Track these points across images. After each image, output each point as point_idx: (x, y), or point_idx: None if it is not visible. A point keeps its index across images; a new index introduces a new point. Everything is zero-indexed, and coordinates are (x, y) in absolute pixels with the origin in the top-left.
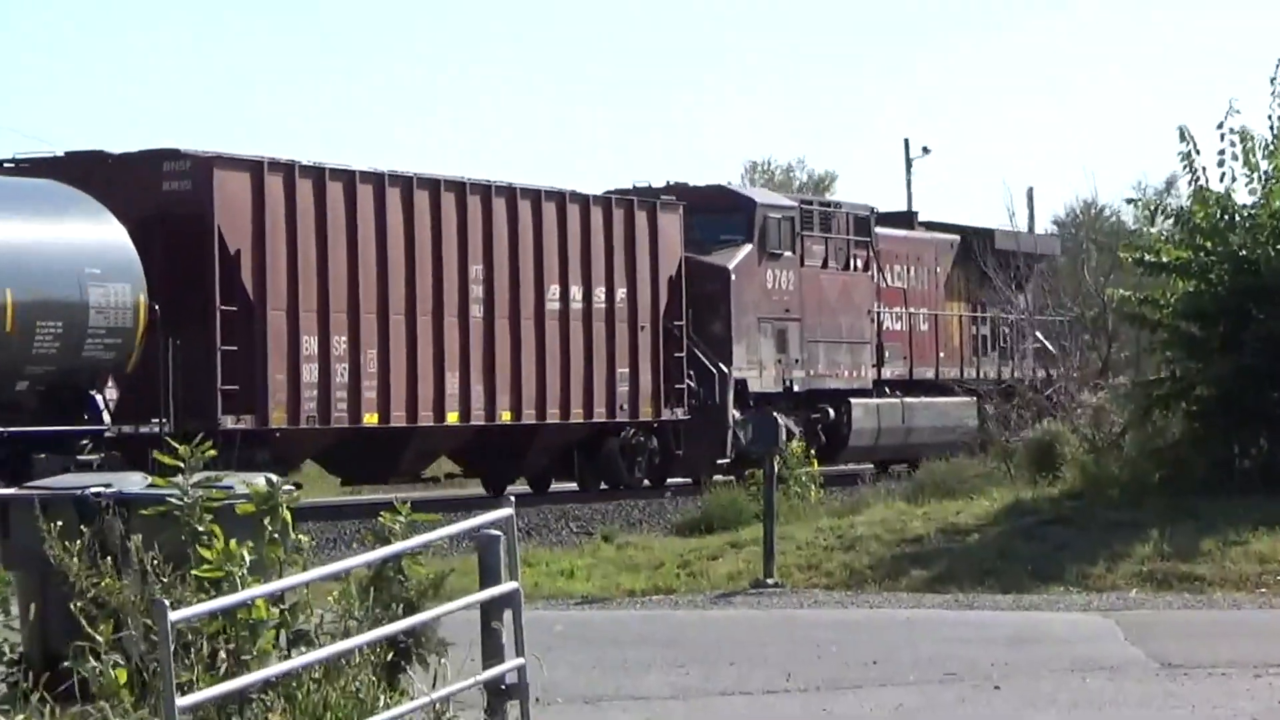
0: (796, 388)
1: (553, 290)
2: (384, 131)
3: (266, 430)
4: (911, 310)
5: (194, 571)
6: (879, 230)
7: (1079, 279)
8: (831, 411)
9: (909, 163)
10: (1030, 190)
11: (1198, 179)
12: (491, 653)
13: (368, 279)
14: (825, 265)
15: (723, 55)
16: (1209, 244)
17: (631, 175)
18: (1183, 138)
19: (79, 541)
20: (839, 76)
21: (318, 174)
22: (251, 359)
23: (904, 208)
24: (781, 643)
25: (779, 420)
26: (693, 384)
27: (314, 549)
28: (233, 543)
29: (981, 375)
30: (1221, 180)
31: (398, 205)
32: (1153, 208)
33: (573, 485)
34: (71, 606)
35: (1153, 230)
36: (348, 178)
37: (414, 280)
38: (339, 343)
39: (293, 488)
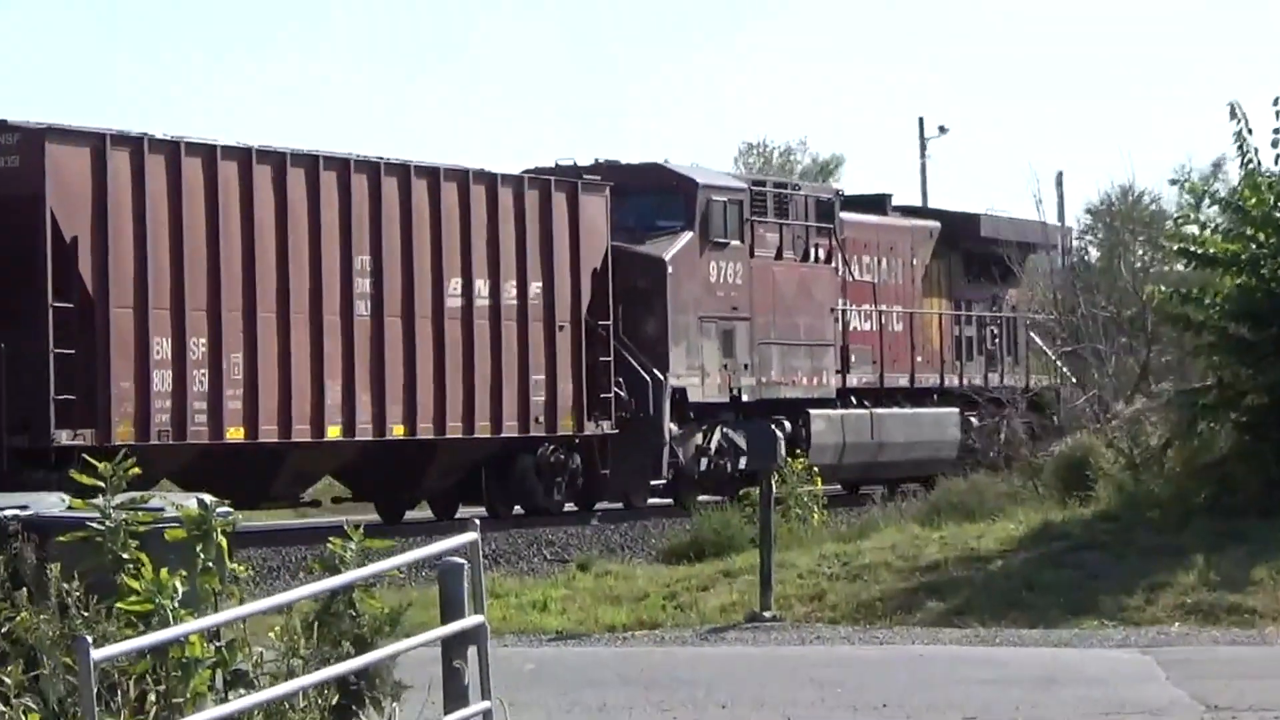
0: (745, 397)
1: (454, 284)
2: (349, 116)
3: (111, 447)
4: (883, 308)
5: (119, 604)
6: (845, 216)
7: (1114, 274)
8: (787, 425)
9: (924, 144)
10: (1059, 174)
11: (1250, 161)
12: (454, 695)
13: (231, 271)
14: (780, 256)
15: (714, 24)
16: (1262, 234)
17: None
18: (1234, 115)
19: None
20: (846, 48)
21: (171, 149)
22: (91, 364)
23: (919, 192)
24: (780, 683)
25: (778, 434)
26: (622, 393)
27: (254, 579)
28: (163, 572)
29: (965, 383)
30: (1277, 162)
31: (268, 185)
32: (1199, 191)
33: (483, 510)
34: None
35: (1199, 216)
36: (207, 153)
37: (287, 273)
38: (197, 345)
39: (230, 510)
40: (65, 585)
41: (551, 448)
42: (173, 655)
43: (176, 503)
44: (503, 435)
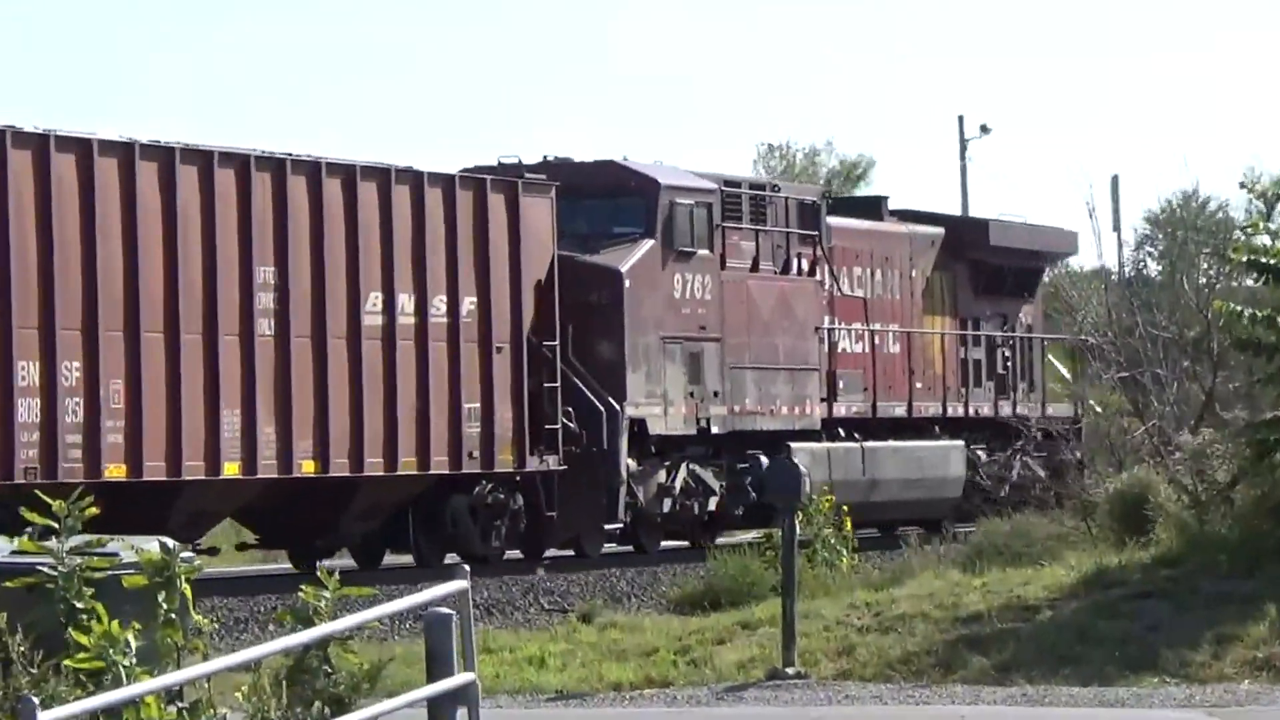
0: (715, 429)
1: (373, 299)
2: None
3: None
4: (876, 327)
5: (69, 661)
6: (833, 221)
7: (1176, 289)
8: (765, 460)
9: (964, 145)
10: (1115, 179)
11: None
12: None
13: (111, 285)
14: (756, 267)
15: (732, 14)
16: None
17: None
18: None
19: None
20: (877, 41)
21: (39, 143)
22: None
23: (959, 199)
24: None
25: (801, 469)
26: (571, 424)
27: (219, 632)
28: (115, 624)
29: (973, 412)
30: None
31: (154, 186)
32: (1271, 197)
33: (409, 558)
34: None
35: (1270, 225)
36: (81, 148)
37: (176, 287)
38: (70, 370)
39: (193, 555)
40: (11, 639)
41: (489, 486)
42: (128, 717)
43: (135, 546)
44: (430, 472)
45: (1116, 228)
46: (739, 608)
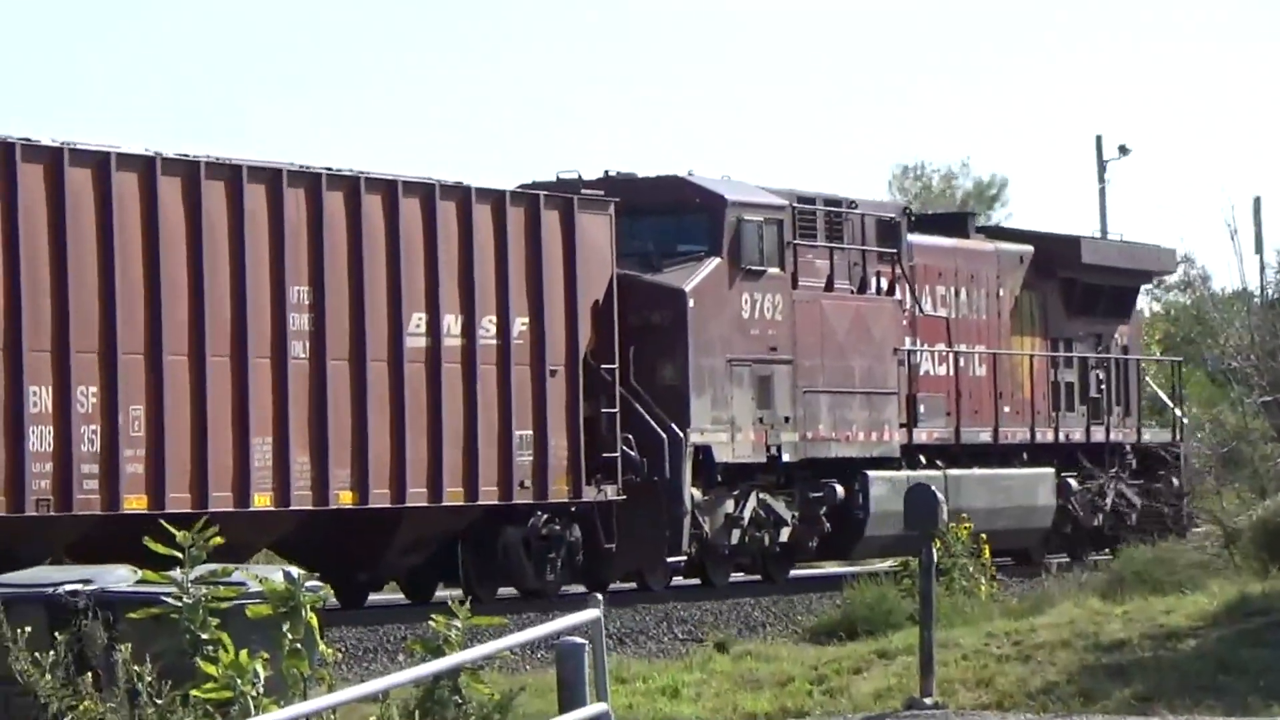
0: (787, 456)
1: (416, 320)
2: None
3: None
4: (960, 348)
5: (196, 691)
6: (914, 239)
7: None
8: (840, 489)
9: (1102, 166)
10: (1257, 200)
11: None
12: None
13: (132, 304)
14: (830, 286)
15: (865, 39)
16: None
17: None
18: None
19: (51, 653)
20: (1014, 60)
21: (52, 156)
22: None
23: (1098, 219)
24: None
25: (938, 495)
26: (632, 452)
27: (346, 662)
28: (243, 654)
29: (1063, 437)
30: None
31: (177, 200)
32: None
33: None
34: None
35: None
36: (99, 160)
37: (202, 307)
38: (86, 395)
39: (319, 584)
40: (136, 669)
41: (545, 517)
42: None
43: (260, 575)
44: (479, 503)
45: (1259, 250)
46: (876, 636)
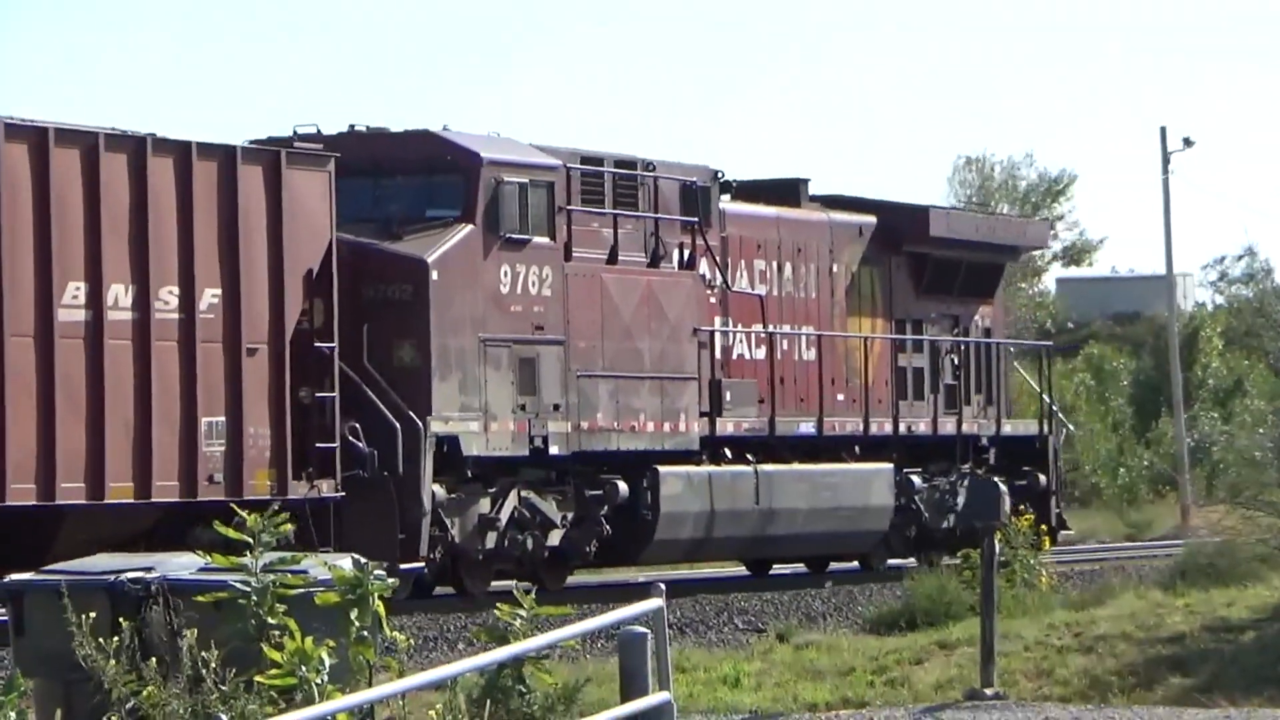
0: (555, 449)
1: (74, 291)
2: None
3: None
4: (782, 329)
5: (260, 678)
6: (729, 208)
7: None
8: (624, 487)
9: (1166, 158)
10: None
11: None
12: None
13: None
14: (615, 258)
15: (929, 29)
16: None
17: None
18: None
19: (115, 639)
20: (1078, 54)
21: None
22: None
23: (1162, 212)
24: None
25: (1001, 488)
26: (359, 442)
27: (411, 649)
28: (308, 642)
29: (904, 429)
30: None
31: None
32: None
33: None
34: None
35: None
36: None
37: None
38: None
39: (384, 574)
40: (202, 655)
41: (252, 516)
42: None
43: (329, 563)
44: (154, 500)
45: None
46: (936, 627)
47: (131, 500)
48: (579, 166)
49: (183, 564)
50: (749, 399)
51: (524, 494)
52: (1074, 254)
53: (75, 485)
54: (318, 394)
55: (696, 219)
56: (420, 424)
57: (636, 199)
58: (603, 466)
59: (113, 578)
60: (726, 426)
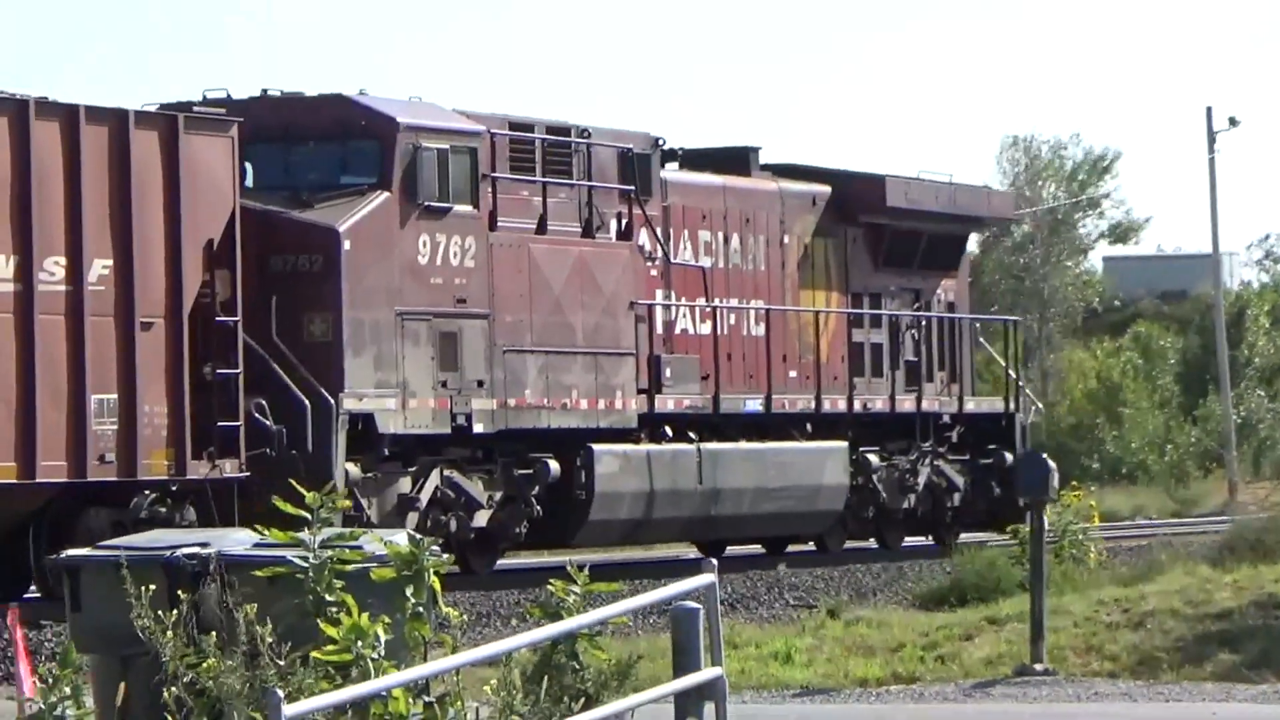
0: (480, 426)
1: None
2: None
3: None
4: (731, 302)
5: (316, 653)
6: (671, 176)
7: None
8: (554, 465)
9: (1211, 138)
10: None
11: None
12: None
13: None
14: (543, 228)
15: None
16: None
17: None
18: None
19: (173, 613)
20: (1125, 34)
21: None
22: None
23: (1208, 190)
24: None
25: (1050, 464)
26: (266, 420)
27: (465, 626)
28: (364, 617)
29: (863, 407)
30: None
31: None
32: None
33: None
34: (164, 695)
35: None
36: None
37: None
38: None
39: (439, 550)
40: (258, 629)
41: (151, 498)
42: (375, 711)
43: (384, 538)
44: (38, 480)
45: None
46: (986, 603)
47: (14, 480)
48: (506, 133)
49: (238, 539)
50: (691, 375)
51: (447, 473)
52: (1120, 233)
53: None
54: (220, 370)
55: (633, 188)
56: (332, 401)
57: (570, 167)
58: (533, 445)
59: (169, 553)
60: (667, 404)
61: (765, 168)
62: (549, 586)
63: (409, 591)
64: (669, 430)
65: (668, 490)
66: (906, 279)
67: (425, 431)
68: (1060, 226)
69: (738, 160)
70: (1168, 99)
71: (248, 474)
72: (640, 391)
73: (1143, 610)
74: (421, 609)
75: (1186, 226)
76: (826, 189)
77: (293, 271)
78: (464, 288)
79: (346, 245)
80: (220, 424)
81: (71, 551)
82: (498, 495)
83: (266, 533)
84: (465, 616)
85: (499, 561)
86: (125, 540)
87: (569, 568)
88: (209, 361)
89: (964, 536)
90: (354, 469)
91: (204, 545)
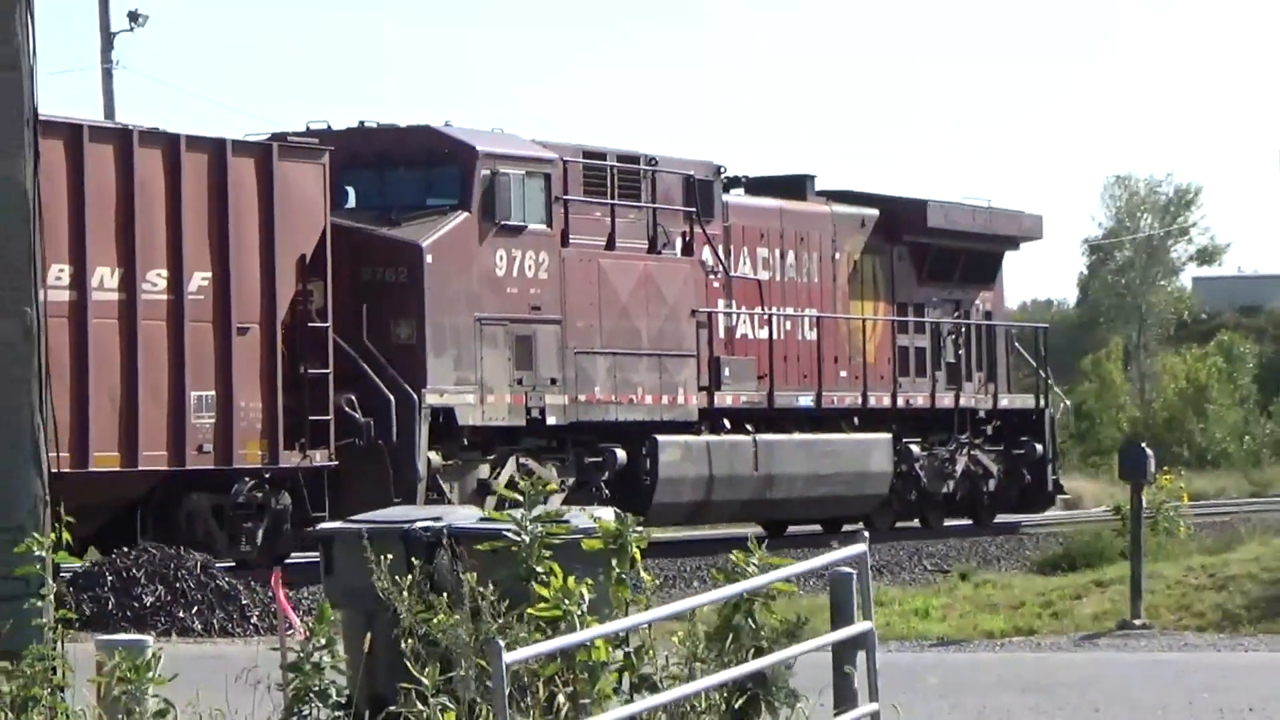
0: (552, 419)
1: (58, 273)
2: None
3: None
4: (783, 311)
5: (530, 610)
6: (732, 200)
7: None
8: (620, 453)
9: None
10: None
11: None
12: (844, 697)
13: None
14: (611, 245)
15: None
16: None
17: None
18: None
19: (409, 577)
20: (1205, 76)
21: None
22: None
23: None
24: (1150, 688)
25: (1148, 452)
26: (355, 414)
27: (655, 588)
28: (570, 580)
29: (906, 403)
30: None
31: None
32: None
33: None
34: (402, 645)
35: None
36: None
37: None
38: None
39: (640, 528)
40: (480, 590)
41: (250, 484)
42: (580, 659)
43: (593, 515)
44: (141, 468)
45: None
46: (1093, 569)
47: (117, 469)
48: (580, 160)
49: (465, 515)
50: (748, 375)
51: (522, 460)
52: (1206, 255)
53: (60, 454)
54: (312, 369)
55: (695, 209)
56: (415, 396)
57: (639, 191)
58: (602, 437)
59: (407, 526)
60: (725, 399)
61: (820, 193)
62: (731, 557)
63: (614, 562)
64: (728, 423)
65: (725, 476)
66: (948, 291)
67: (502, 423)
68: (1156, 251)
69: (795, 186)
70: (1246, 137)
71: (336, 463)
72: (701, 389)
73: (1225, 575)
74: (624, 576)
75: (1264, 249)
76: (875, 212)
77: (382, 282)
78: (538, 296)
79: (429, 259)
80: (312, 418)
81: (325, 525)
82: (570, 481)
83: (485, 513)
84: (655, 579)
85: None
86: (369, 515)
87: (750, 541)
88: (303, 362)
89: (999, 518)
90: (436, 457)
91: (436, 520)
